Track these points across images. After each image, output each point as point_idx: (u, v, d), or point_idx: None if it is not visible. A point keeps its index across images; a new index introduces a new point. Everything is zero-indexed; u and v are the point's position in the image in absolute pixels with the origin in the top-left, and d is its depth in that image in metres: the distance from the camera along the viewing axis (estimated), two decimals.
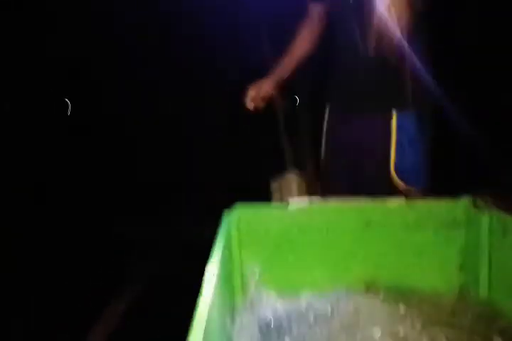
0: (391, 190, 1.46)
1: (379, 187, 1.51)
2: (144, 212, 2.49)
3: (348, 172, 1.58)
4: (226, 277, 1.00)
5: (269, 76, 1.67)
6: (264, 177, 2.08)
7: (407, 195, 1.40)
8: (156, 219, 2.39)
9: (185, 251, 1.98)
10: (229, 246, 1.06)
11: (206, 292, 0.71)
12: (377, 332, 0.88)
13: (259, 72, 1.70)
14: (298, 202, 1.24)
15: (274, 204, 1.23)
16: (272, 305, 1.01)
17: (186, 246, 2.00)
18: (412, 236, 1.18)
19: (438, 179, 1.55)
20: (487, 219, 1.11)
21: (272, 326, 0.95)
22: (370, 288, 1.08)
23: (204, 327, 0.60)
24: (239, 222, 1.15)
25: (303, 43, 1.66)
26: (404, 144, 1.50)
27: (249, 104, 1.67)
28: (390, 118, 1.49)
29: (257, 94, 1.65)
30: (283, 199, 1.94)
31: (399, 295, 1.04)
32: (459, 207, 1.19)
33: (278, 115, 2.01)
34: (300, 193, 2.02)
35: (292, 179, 2.04)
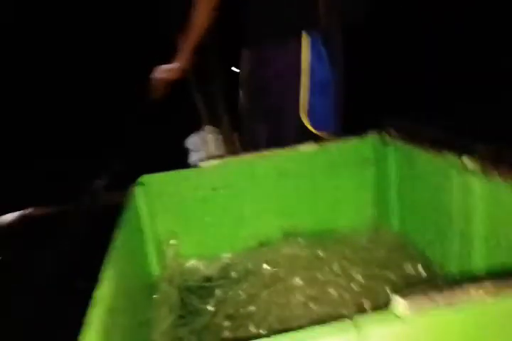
0: (303, 135, 1.44)
1: (292, 132, 1.49)
2: None
3: (264, 116, 1.52)
4: (137, 250, 0.95)
5: (176, 56, 1.55)
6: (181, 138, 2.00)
7: (318, 138, 1.39)
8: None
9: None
10: (137, 218, 1.00)
11: (108, 269, 0.66)
12: (297, 281, 0.88)
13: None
14: (208, 161, 1.19)
15: (184, 169, 1.16)
16: (191, 270, 0.98)
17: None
18: (327, 179, 1.18)
19: (348, 117, 1.55)
20: (393, 153, 1.13)
21: (194, 291, 0.92)
22: (289, 237, 1.08)
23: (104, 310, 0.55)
24: (148, 191, 1.08)
25: (203, 16, 1.51)
26: (314, 87, 1.46)
27: (155, 92, 1.59)
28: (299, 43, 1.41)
29: (162, 81, 1.57)
30: (199, 157, 1.90)
31: (317, 239, 1.05)
32: (366, 144, 1.20)
33: (188, 73, 1.90)
34: (217, 149, 1.98)
35: (208, 135, 1.98)
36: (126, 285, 0.74)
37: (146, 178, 1.12)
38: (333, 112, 1.51)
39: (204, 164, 1.17)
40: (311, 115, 1.47)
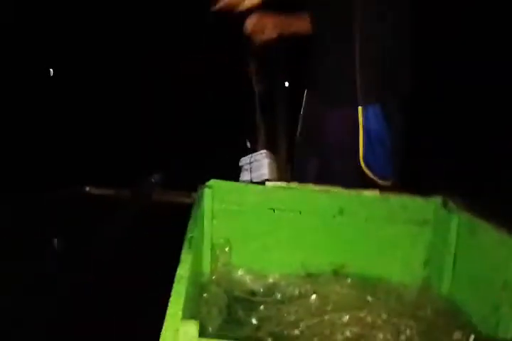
0: (360, 184, 1.46)
1: (347, 180, 1.51)
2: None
3: (316, 162, 1.57)
4: (197, 249, 0.96)
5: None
6: (236, 155, 2.04)
7: (380, 188, 1.41)
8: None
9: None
10: (202, 219, 1.02)
11: (183, 265, 0.67)
12: (344, 317, 0.87)
13: None
14: (274, 182, 1.21)
15: (251, 184, 1.19)
16: (239, 281, 0.99)
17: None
18: (382, 228, 1.19)
19: (409, 173, 1.57)
20: (456, 219, 1.14)
21: (239, 301, 0.92)
22: (338, 273, 1.08)
23: (183, 300, 0.56)
24: (213, 196, 1.11)
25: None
26: (371, 137, 1.49)
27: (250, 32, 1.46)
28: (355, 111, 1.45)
29: (259, 25, 1.46)
30: (252, 179, 1.92)
31: (365, 283, 1.05)
32: (429, 205, 1.21)
33: (256, 91, 1.96)
34: (270, 174, 2.00)
35: (264, 159, 2.01)
36: (194, 274, 0.75)
37: (213, 183, 1.15)
38: (391, 162, 1.53)
39: (270, 184, 1.20)
40: (370, 163, 1.50)
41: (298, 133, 1.72)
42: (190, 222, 0.83)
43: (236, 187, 1.19)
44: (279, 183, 1.23)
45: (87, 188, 1.95)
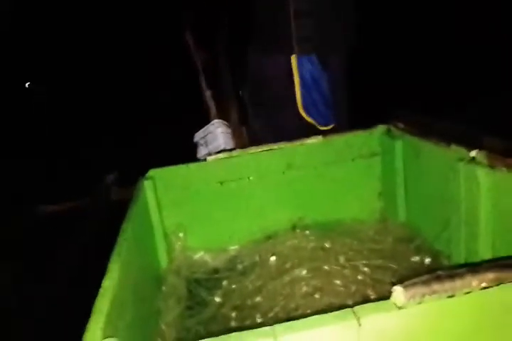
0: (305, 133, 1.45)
1: (291, 131, 1.50)
2: None
3: (264, 119, 1.55)
4: (145, 244, 0.96)
5: None
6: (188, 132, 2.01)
7: (322, 133, 1.40)
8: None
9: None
10: (145, 211, 1.02)
11: (110, 275, 0.66)
12: (302, 272, 0.89)
13: None
14: (215, 155, 1.20)
15: (191, 163, 1.18)
16: (199, 262, 1.00)
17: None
18: (333, 171, 1.19)
19: (353, 111, 1.55)
20: (400, 144, 1.13)
21: (201, 283, 0.94)
22: (296, 229, 1.09)
23: (104, 318, 0.56)
24: (155, 186, 1.10)
25: None
26: (308, 85, 1.48)
27: None
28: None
29: None
30: (210, 152, 1.90)
31: (324, 231, 1.06)
32: (373, 137, 1.20)
33: (196, 60, 1.90)
34: (227, 143, 1.98)
35: (217, 129, 1.98)
36: (134, 277, 0.76)
37: (153, 172, 1.14)
38: (331, 106, 1.51)
39: (211, 158, 1.19)
40: (310, 110, 1.48)
41: (244, 94, 1.69)
42: (125, 225, 0.82)
43: (177, 170, 1.17)
44: (220, 155, 1.21)
45: (42, 206, 1.93)
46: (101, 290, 0.62)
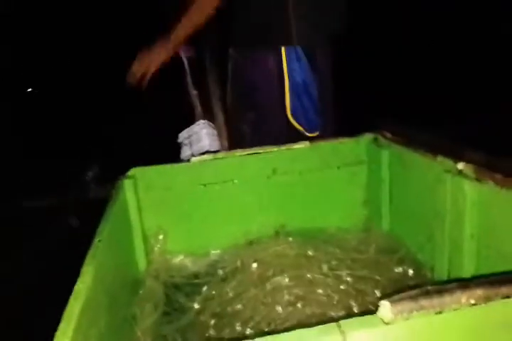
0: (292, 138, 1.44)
1: (278, 135, 1.48)
2: None
3: (250, 122, 1.52)
4: (123, 245, 0.93)
5: (164, 41, 1.46)
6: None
7: (309, 139, 1.39)
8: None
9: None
10: (124, 212, 0.98)
11: (83, 279, 0.63)
12: (285, 280, 0.87)
13: None
14: (200, 157, 1.17)
15: (175, 164, 1.15)
16: (178, 266, 0.97)
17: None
18: (318, 177, 1.18)
19: (340, 119, 1.55)
20: (387, 154, 1.12)
21: (180, 288, 0.91)
22: (279, 235, 1.07)
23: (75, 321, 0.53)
24: (136, 185, 1.06)
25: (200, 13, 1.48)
26: (297, 88, 1.46)
27: (132, 77, 1.47)
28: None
29: (138, 73, 1.46)
30: (193, 153, 1.88)
31: (308, 238, 1.04)
32: (360, 145, 1.20)
33: (184, 61, 1.88)
34: (211, 145, 1.96)
35: (202, 130, 1.96)
36: (109, 281, 0.72)
37: (135, 171, 1.10)
38: (320, 113, 1.50)
39: (196, 159, 1.16)
40: (298, 116, 1.47)
41: (228, 96, 1.66)
42: (101, 226, 0.79)
43: (161, 170, 1.14)
44: (205, 156, 1.18)
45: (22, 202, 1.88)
46: (72, 294, 0.59)
